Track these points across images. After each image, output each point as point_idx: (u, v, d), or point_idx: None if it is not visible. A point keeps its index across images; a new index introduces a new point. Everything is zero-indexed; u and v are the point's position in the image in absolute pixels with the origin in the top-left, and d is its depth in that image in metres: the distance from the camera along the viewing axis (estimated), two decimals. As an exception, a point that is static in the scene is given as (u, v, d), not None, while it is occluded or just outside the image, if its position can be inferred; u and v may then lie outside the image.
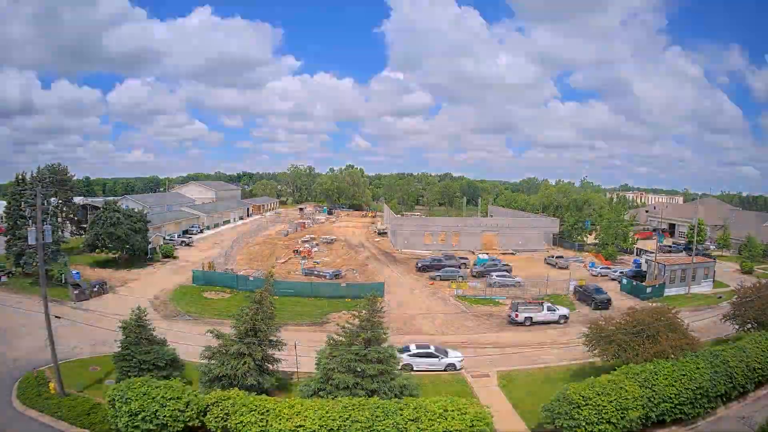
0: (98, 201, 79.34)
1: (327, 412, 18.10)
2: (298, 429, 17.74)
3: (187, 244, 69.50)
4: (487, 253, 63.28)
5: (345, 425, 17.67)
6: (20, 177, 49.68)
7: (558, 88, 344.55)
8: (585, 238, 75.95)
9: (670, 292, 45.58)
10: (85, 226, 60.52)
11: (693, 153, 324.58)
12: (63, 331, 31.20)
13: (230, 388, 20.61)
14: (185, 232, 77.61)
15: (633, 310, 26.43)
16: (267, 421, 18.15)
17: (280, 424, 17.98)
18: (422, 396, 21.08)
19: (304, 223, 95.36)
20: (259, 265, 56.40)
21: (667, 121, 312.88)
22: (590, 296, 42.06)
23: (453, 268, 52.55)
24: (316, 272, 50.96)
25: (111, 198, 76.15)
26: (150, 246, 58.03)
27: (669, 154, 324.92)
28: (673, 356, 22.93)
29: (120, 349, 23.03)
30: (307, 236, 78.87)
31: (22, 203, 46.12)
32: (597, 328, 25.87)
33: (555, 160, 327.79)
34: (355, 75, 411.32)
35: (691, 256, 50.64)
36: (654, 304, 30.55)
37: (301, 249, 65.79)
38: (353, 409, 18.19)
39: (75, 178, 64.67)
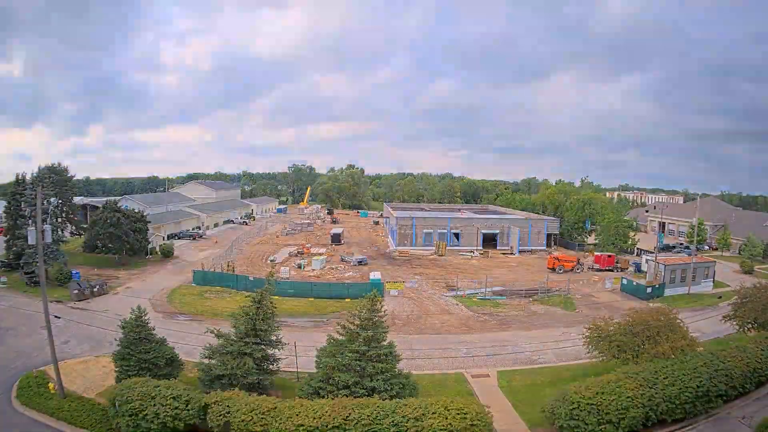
0: (98, 201, 79.30)
1: (327, 412, 18.09)
2: (298, 429, 17.72)
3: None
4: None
5: (345, 424, 17.65)
6: (20, 177, 49.67)
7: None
8: (585, 238, 75.93)
9: (670, 292, 45.58)
10: (85, 226, 60.53)
11: (693, 153, 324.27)
12: (62, 330, 31.28)
13: (230, 388, 20.60)
14: (191, 230, 79.74)
15: (633, 310, 26.41)
16: (267, 420, 18.14)
17: (280, 423, 17.96)
18: (422, 395, 21.08)
19: (306, 223, 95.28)
20: (258, 264, 56.41)
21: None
22: None
23: None
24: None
25: (111, 198, 76.05)
26: (150, 246, 58.06)
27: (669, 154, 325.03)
28: (673, 356, 22.92)
29: (120, 348, 23.02)
30: (307, 235, 78.90)
31: (22, 203, 46.15)
32: (597, 328, 25.85)
33: (555, 159, 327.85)
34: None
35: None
36: (654, 305, 30.56)
37: (301, 249, 65.83)
38: (353, 409, 18.17)
39: (75, 178, 64.58)
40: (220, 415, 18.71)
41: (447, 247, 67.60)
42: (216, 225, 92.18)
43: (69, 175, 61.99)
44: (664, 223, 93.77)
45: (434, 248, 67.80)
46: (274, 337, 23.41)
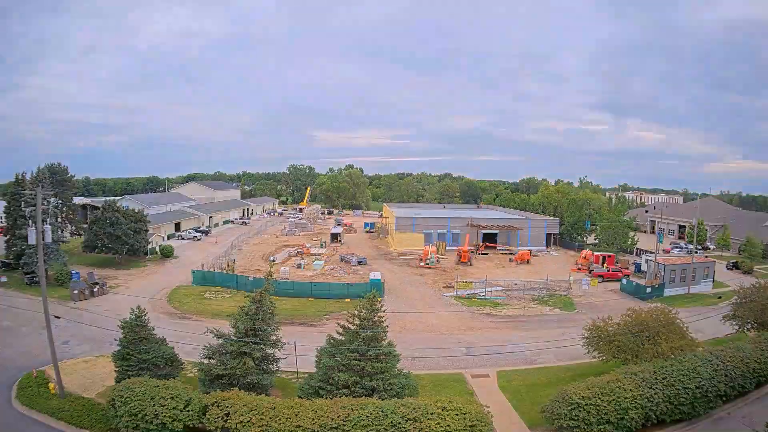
0: (98, 201, 79.35)
1: (326, 412, 18.10)
2: (298, 429, 17.74)
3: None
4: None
5: (344, 425, 17.66)
6: (20, 177, 49.66)
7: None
8: (585, 238, 75.93)
9: (669, 292, 45.60)
10: (84, 226, 60.52)
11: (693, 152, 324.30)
12: (62, 330, 31.27)
13: (230, 388, 20.60)
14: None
15: (633, 310, 26.41)
16: (266, 420, 18.14)
17: (279, 424, 17.96)
18: (422, 395, 21.09)
19: (306, 223, 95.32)
20: (258, 264, 56.40)
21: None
22: None
23: None
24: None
25: (111, 198, 76.16)
26: (150, 246, 58.06)
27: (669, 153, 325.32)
28: (672, 356, 22.94)
29: (119, 348, 23.02)
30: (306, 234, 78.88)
31: (22, 203, 46.12)
32: (596, 329, 25.86)
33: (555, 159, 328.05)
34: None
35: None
36: (654, 305, 30.57)
37: (301, 249, 65.86)
38: (353, 409, 18.18)
39: (75, 178, 64.60)
40: (219, 416, 18.71)
41: (447, 247, 67.62)
42: (216, 225, 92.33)
43: (69, 174, 62.04)
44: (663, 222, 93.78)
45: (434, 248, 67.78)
46: (274, 337, 23.39)
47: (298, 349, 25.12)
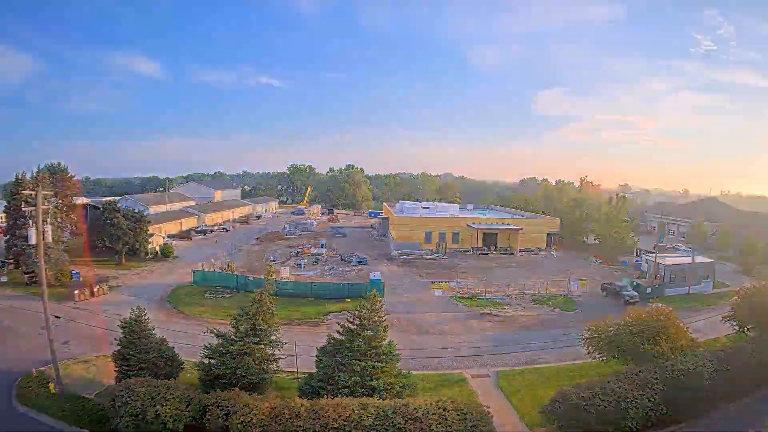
0: (98, 201, 79.37)
1: (327, 412, 18.08)
2: (299, 429, 17.72)
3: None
4: None
5: (345, 425, 17.64)
6: (20, 177, 49.65)
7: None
8: (585, 238, 75.85)
9: (670, 292, 45.56)
10: (85, 226, 60.49)
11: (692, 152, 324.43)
12: (62, 330, 31.29)
13: (230, 388, 20.60)
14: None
15: (633, 311, 26.41)
16: (267, 421, 18.12)
17: (280, 424, 17.95)
18: (422, 396, 21.09)
19: (307, 223, 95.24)
20: (258, 264, 56.39)
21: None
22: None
23: None
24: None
25: (111, 198, 76.20)
26: (150, 246, 58.09)
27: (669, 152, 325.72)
28: (673, 357, 22.93)
29: (119, 348, 23.03)
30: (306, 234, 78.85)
31: (22, 203, 46.12)
32: (597, 329, 25.85)
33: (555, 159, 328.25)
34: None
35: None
36: (654, 305, 30.58)
37: (301, 249, 65.87)
38: (353, 409, 18.16)
39: (75, 177, 64.57)
40: (220, 416, 18.71)
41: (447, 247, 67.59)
42: (217, 224, 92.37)
43: (69, 174, 61.98)
44: (664, 223, 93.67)
45: (434, 248, 67.79)
46: (274, 337, 23.41)
47: (298, 349, 25.13)
